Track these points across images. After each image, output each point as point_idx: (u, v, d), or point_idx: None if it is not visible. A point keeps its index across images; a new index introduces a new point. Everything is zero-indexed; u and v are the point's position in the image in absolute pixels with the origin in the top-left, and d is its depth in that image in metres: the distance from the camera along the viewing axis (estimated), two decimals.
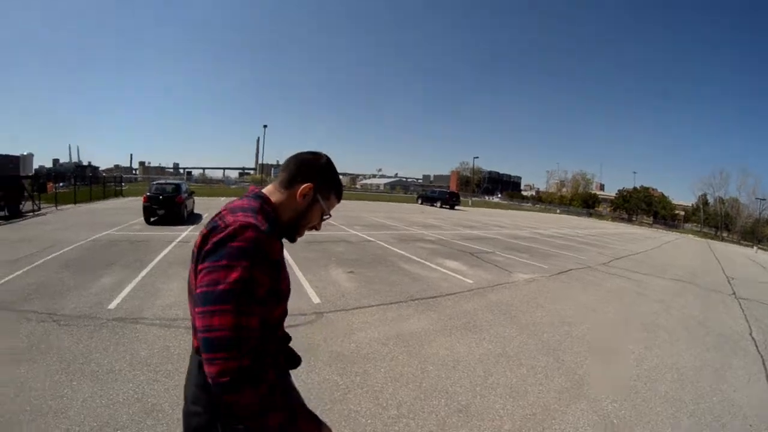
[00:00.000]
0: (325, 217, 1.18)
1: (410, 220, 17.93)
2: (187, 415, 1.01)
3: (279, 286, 1.00)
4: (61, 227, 10.28)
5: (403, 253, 8.79)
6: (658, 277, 7.83)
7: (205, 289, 0.86)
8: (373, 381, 3.15)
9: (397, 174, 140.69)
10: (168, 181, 13.95)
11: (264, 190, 1.12)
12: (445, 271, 7.23)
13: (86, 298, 4.69)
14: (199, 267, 0.89)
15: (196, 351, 1.01)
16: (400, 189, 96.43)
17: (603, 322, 4.88)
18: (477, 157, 77.68)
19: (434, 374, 3.31)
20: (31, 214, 12.74)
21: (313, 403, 2.74)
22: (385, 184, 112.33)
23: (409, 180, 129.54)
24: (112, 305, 4.53)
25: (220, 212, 0.99)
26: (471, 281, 6.54)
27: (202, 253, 0.91)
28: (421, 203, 34.44)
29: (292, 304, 4.79)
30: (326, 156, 1.18)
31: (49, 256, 6.72)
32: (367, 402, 2.87)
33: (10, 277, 5.42)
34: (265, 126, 40.13)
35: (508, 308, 5.19)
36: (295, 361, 1.28)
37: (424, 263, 7.81)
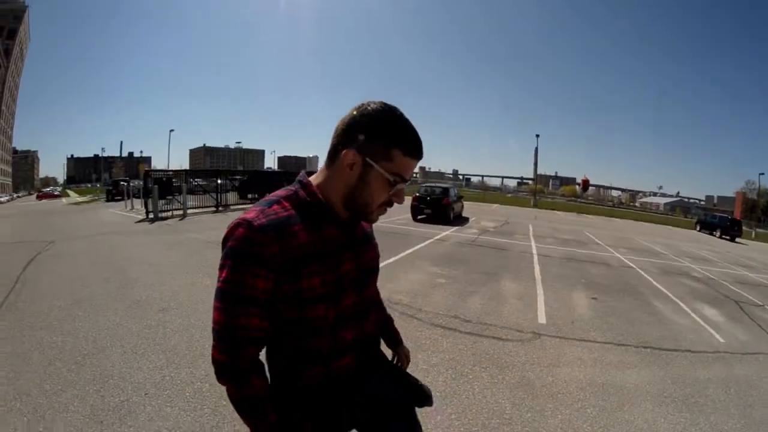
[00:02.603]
0: (396, 183, 0.88)
1: (681, 249, 15.00)
2: None
3: (299, 285, 0.85)
4: None
5: (659, 287, 7.45)
6: None
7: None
8: (540, 424, 2.70)
9: (678, 193, 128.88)
10: (437, 184, 15.77)
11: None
12: (696, 318, 5.67)
13: None
14: None
15: None
16: (680, 211, 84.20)
17: None
18: (763, 174, 59.22)
19: None
20: None
21: (464, 419, 2.62)
22: (664, 204, 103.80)
23: (690, 201, 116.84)
24: None
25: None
26: (722, 340, 4.92)
27: None
28: (699, 230, 29.52)
29: (513, 319, 4.67)
30: (378, 103, 0.87)
31: None
32: None
33: None
34: (537, 135, 43.62)
35: (750, 390, 3.57)
36: (379, 364, 1.12)
37: (677, 304, 6.32)
